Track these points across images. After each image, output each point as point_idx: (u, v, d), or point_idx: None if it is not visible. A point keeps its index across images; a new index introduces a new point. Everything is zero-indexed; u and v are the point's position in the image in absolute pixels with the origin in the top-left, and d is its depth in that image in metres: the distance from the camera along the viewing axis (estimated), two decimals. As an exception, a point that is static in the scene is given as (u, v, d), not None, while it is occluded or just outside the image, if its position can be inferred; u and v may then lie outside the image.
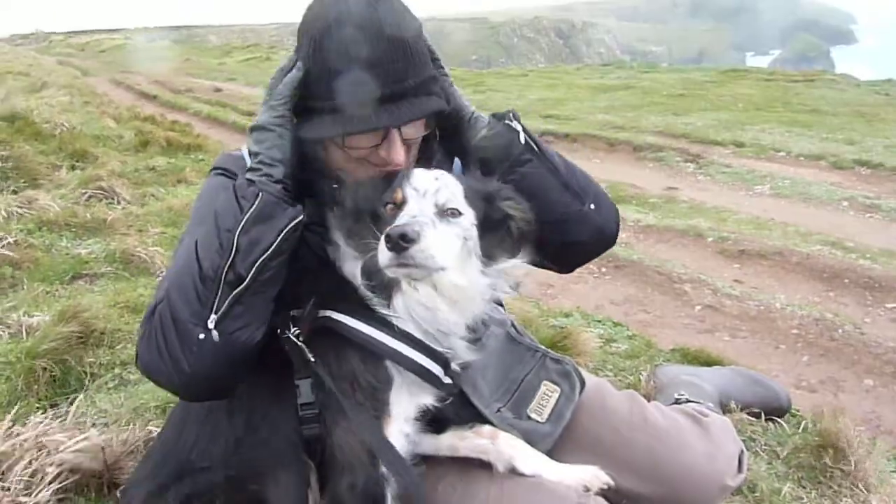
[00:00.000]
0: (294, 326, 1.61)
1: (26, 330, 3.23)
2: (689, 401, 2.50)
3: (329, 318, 1.60)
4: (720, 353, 3.58)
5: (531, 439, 1.81)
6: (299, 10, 1.73)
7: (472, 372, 1.80)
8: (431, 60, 1.74)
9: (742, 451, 2.07)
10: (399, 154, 1.67)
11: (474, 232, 1.55)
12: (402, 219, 1.47)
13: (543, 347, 2.05)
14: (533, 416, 1.87)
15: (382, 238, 1.42)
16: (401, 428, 1.58)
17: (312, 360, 1.55)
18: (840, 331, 4.19)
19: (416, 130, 1.72)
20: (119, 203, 5.65)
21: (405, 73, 1.61)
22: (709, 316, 4.50)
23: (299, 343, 1.58)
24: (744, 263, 5.51)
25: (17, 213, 4.98)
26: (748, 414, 2.80)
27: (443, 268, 1.46)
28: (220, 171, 1.83)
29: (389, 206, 1.54)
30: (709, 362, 3.35)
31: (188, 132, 10.20)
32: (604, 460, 1.84)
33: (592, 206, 1.85)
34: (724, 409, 2.67)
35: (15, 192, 5.54)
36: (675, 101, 13.62)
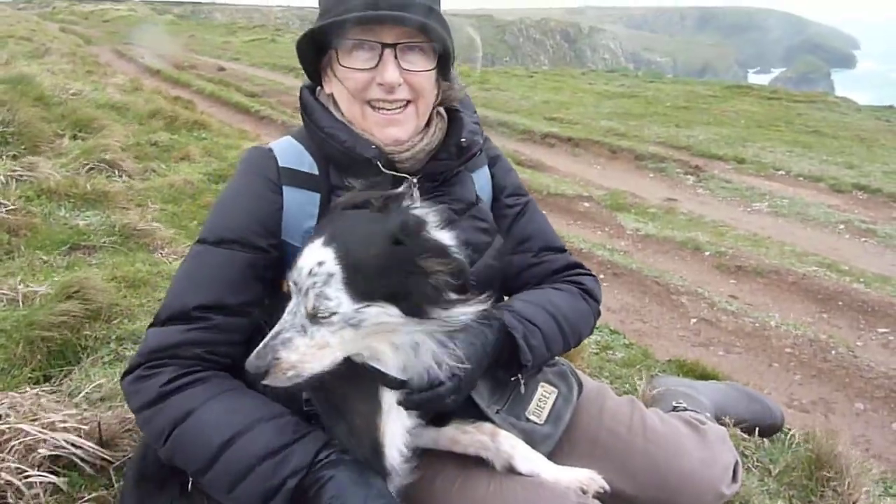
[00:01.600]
0: None
1: (23, 298, 3.20)
2: (686, 409, 2.51)
3: None
4: (714, 368, 3.60)
5: (531, 440, 1.80)
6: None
7: None
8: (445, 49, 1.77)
9: (737, 462, 2.08)
10: (390, 72, 1.67)
11: (364, 316, 1.41)
12: (276, 328, 1.42)
13: None
14: (532, 417, 1.86)
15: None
16: (396, 445, 1.58)
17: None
18: (833, 352, 4.22)
19: (415, 61, 1.73)
20: (120, 176, 5.59)
21: None
22: (704, 329, 4.52)
23: None
24: (740, 279, 5.54)
25: (16, 179, 4.92)
26: (741, 429, 2.82)
27: (314, 374, 1.43)
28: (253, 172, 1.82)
29: (287, 285, 1.47)
30: (704, 376, 3.38)
31: (191, 108, 10.13)
32: (601, 463, 1.84)
33: (573, 343, 1.93)
34: (719, 422, 2.68)
35: (15, 158, 5.46)
36: (679, 113, 13.67)
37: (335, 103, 1.82)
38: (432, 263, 1.42)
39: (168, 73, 16.94)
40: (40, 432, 2.14)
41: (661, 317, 4.68)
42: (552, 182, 8.24)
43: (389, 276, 1.40)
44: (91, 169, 5.55)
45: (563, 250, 2.09)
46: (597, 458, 1.89)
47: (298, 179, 1.77)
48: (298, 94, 1.91)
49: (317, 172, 1.79)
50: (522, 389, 1.86)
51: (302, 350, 1.39)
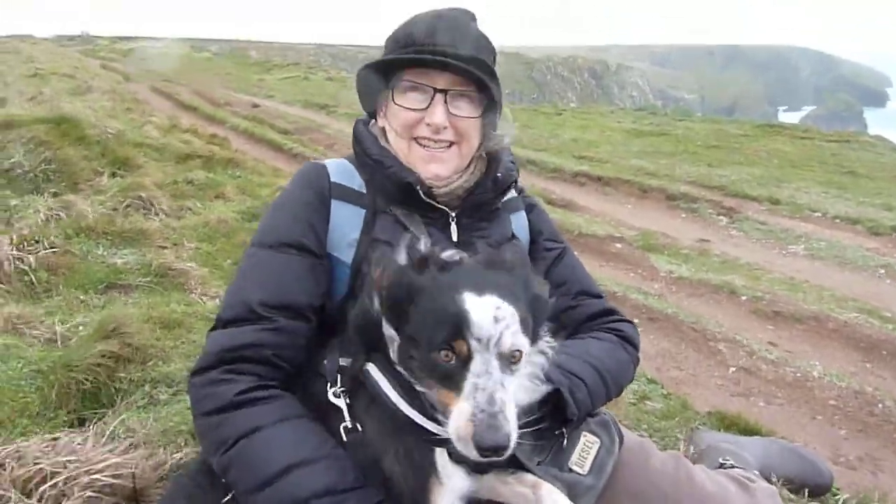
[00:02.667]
0: (341, 378, 1.58)
1: (60, 338, 3.23)
2: (734, 466, 2.42)
3: (367, 371, 1.55)
4: (756, 421, 3.48)
5: (574, 493, 1.73)
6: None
7: None
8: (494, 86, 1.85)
9: None
10: (438, 115, 1.78)
11: (534, 355, 1.49)
12: (479, 396, 1.31)
13: None
14: (574, 468, 1.80)
15: (471, 444, 1.29)
16: None
17: (350, 426, 1.53)
18: (880, 406, 4.06)
19: (463, 107, 1.82)
20: (157, 214, 5.68)
21: (464, 39, 1.80)
22: (744, 379, 4.39)
23: (342, 405, 1.55)
24: (778, 325, 5.40)
25: (55, 217, 5.02)
26: (788, 489, 2.71)
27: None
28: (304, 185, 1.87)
29: (446, 352, 1.36)
30: (746, 429, 3.27)
31: (226, 146, 10.33)
32: None
33: (614, 394, 1.93)
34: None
35: (55, 195, 5.59)
36: (710, 153, 13.59)
37: (385, 136, 1.93)
38: (546, 305, 1.56)
39: (204, 111, 17.34)
40: (73, 479, 2.13)
41: (699, 364, 4.56)
42: (583, 222, 8.19)
43: (533, 319, 1.48)
44: (128, 206, 5.64)
45: (600, 296, 2.10)
46: None
47: (347, 195, 1.85)
48: (352, 129, 2.02)
49: (365, 192, 1.87)
50: (565, 443, 1.81)
51: (510, 409, 1.32)
